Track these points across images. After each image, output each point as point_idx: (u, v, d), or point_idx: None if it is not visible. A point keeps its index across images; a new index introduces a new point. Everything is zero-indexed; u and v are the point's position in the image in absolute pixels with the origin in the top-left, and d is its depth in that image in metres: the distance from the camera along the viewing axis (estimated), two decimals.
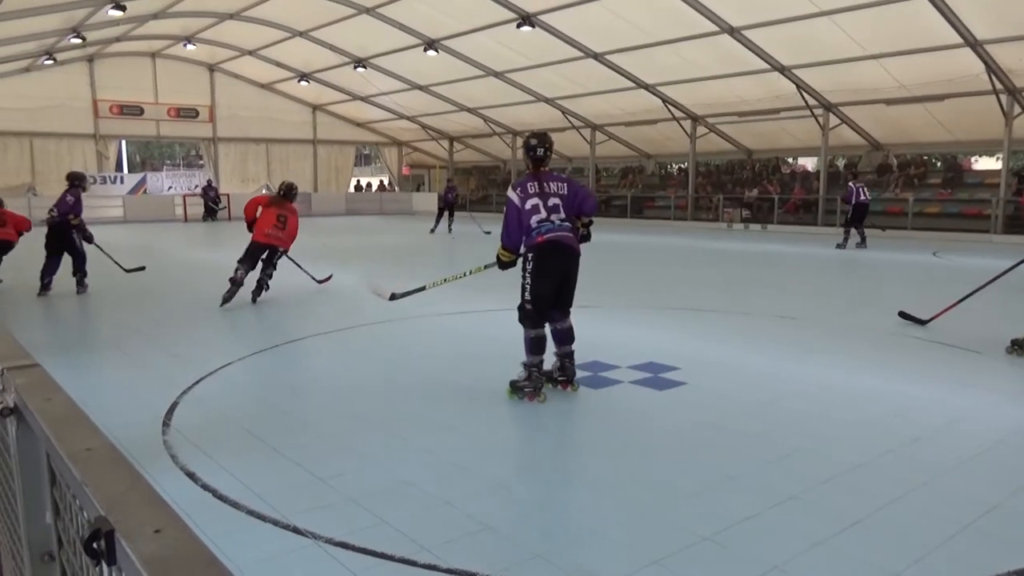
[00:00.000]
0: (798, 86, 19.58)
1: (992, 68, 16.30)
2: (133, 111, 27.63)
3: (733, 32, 17.73)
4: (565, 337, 4.92)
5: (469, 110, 28.11)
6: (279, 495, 3.31)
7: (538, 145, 4.87)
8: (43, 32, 20.24)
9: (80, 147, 26.75)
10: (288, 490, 3.40)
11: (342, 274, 10.29)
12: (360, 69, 25.51)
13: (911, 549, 2.84)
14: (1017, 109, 17.44)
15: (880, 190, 21.51)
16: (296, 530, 2.98)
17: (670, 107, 23.05)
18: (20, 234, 9.82)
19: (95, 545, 0.87)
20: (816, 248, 16.18)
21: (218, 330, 7.25)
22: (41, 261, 9.30)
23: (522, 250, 4.86)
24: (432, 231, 19.90)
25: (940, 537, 2.93)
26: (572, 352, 4.95)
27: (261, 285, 8.67)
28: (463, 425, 4.35)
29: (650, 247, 16.75)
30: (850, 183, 15.65)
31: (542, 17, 19.10)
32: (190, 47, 25.54)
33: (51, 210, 9.39)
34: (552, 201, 4.74)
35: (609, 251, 14.70)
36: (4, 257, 9.70)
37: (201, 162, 33.22)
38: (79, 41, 21.72)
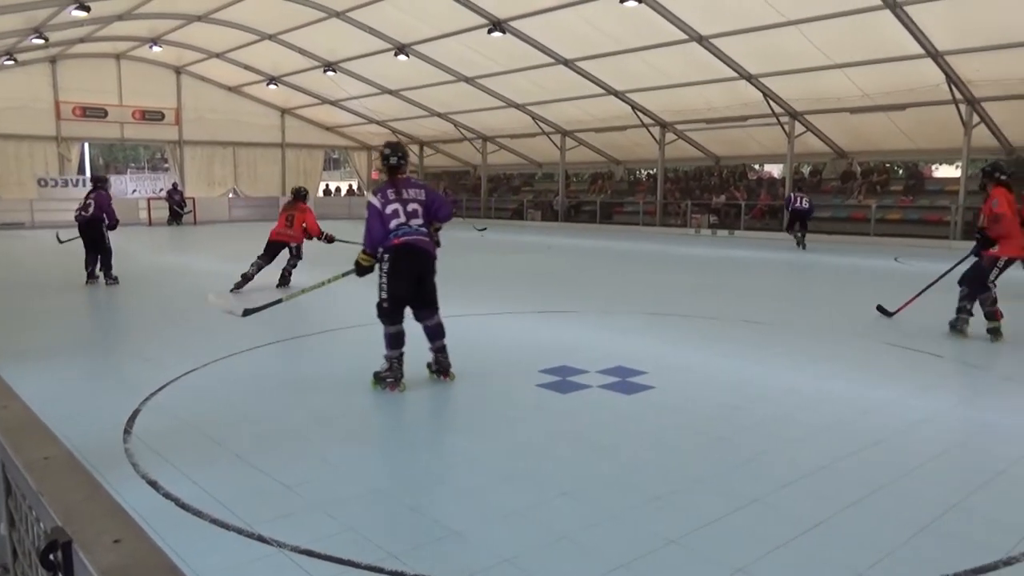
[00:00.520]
0: (765, 94, 19.88)
1: (952, 79, 16.71)
2: (97, 113, 27.12)
3: (702, 40, 17.96)
4: (435, 333, 5.24)
5: (439, 115, 28.07)
6: (244, 503, 3.28)
7: (391, 155, 5.18)
8: (3, 32, 19.80)
9: (42, 149, 26.17)
10: (253, 498, 3.36)
11: (319, 279, 10.19)
12: (330, 73, 25.35)
13: (872, 549, 2.89)
14: (976, 119, 17.89)
15: (844, 197, 21.93)
16: (261, 538, 2.95)
17: (639, 113, 23.26)
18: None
19: (52, 557, 0.86)
20: (782, 253, 16.42)
21: (182, 336, 7.14)
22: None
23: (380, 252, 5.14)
24: None
25: (901, 537, 2.99)
26: (444, 346, 5.29)
27: (285, 274, 10.05)
28: (431, 432, 4.34)
29: (619, 252, 16.86)
30: (790, 192, 18.57)
31: (513, 23, 19.16)
32: (156, 49, 25.15)
33: (82, 208, 10.43)
34: (411, 206, 5.07)
35: (578, 256, 14.78)
36: None
37: (166, 165, 32.74)
38: (41, 42, 21.26)
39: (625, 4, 16.32)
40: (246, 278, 9.54)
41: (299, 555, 2.82)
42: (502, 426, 4.47)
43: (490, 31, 19.25)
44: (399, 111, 28.48)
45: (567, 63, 20.93)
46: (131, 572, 0.80)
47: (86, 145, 30.19)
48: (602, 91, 22.26)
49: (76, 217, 10.60)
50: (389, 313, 5.09)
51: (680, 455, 3.98)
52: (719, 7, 16.53)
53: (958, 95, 17.19)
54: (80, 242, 10.66)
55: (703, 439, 4.21)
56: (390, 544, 2.91)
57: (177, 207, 26.39)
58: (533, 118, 25.95)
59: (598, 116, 24.48)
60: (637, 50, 19.16)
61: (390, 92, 26.58)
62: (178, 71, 28.65)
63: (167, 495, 3.35)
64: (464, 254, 15.02)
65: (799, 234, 17.55)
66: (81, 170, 29.50)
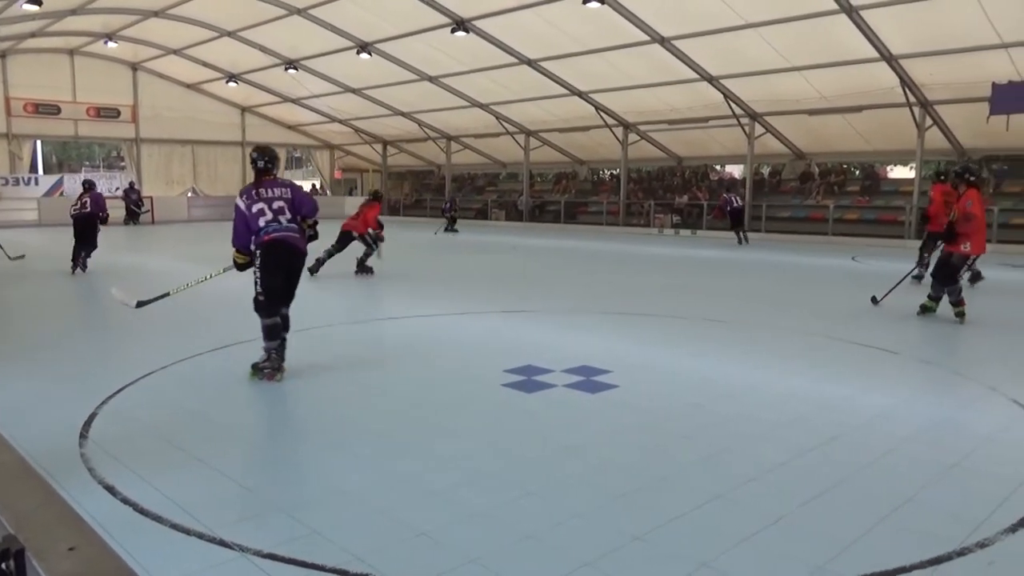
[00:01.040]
0: (725, 96, 20.15)
1: (906, 82, 17.12)
2: (49, 110, 26.42)
3: (663, 42, 18.14)
4: (285, 325, 5.55)
5: (403, 114, 27.93)
6: (204, 507, 3.22)
7: (259, 158, 5.51)
8: None
9: None
10: (214, 502, 3.30)
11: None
12: (291, 71, 25.06)
13: (831, 542, 2.95)
14: (928, 121, 18.35)
15: (803, 197, 22.33)
16: (223, 543, 2.90)
17: (603, 114, 23.41)
18: None
19: (3, 565, 0.83)
20: (743, 253, 16.67)
21: (140, 338, 7.00)
22: None
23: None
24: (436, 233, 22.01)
25: (858, 530, 3.05)
26: (285, 339, 5.52)
27: (363, 260, 11.53)
28: (396, 432, 4.32)
29: (583, 252, 16.94)
30: (724, 194, 20.16)
31: (477, 23, 19.14)
32: (111, 45, 24.61)
33: (79, 206, 11.94)
34: (276, 204, 5.37)
35: (542, 256, 14.81)
36: None
37: (123, 164, 32.04)
38: None
39: (588, 5, 16.41)
40: (320, 262, 11.15)
41: (262, 559, 2.78)
42: (467, 426, 4.46)
43: (453, 30, 19.21)
44: (362, 110, 28.27)
45: (531, 63, 20.98)
46: None
47: (38, 143, 29.37)
48: (566, 91, 22.36)
49: (73, 214, 11.93)
50: (265, 307, 5.33)
51: (644, 453, 4.02)
52: (680, 9, 16.72)
53: (912, 98, 17.62)
54: (55, 238, 12.04)
55: (667, 437, 4.26)
56: (355, 546, 2.88)
57: (134, 206, 25.85)
58: (497, 118, 25.95)
59: (562, 116, 24.58)
60: (600, 51, 19.29)
61: (353, 91, 26.37)
62: (134, 67, 28.07)
63: (125, 500, 3.28)
64: (429, 254, 14.96)
65: (739, 232, 19.04)
66: (33, 168, 28.75)
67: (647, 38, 18.04)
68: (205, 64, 26.46)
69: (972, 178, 7.62)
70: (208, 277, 6.18)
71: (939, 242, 10.39)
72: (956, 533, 3.01)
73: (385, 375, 5.72)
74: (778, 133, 21.81)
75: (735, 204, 19.28)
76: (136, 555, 2.76)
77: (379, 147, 32.89)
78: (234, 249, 5.53)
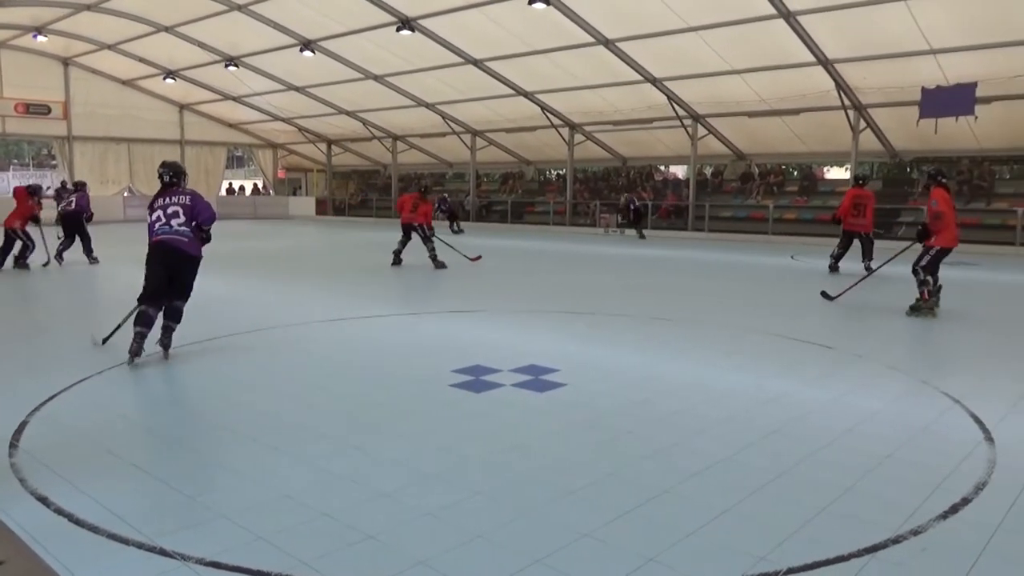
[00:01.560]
0: (669, 97, 20.48)
1: (841, 85, 17.66)
2: None
3: (608, 44, 18.33)
4: (173, 315, 6.13)
5: (348, 113, 27.60)
6: (144, 516, 3.12)
7: (164, 173, 6.21)
8: None
9: None
10: (153, 510, 3.21)
11: (217, 283, 9.81)
12: (232, 68, 24.51)
13: (775, 533, 3.02)
14: (863, 124, 18.98)
15: (744, 197, 22.85)
16: (163, 552, 2.81)
17: (548, 114, 23.54)
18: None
19: None
20: (686, 252, 16.96)
21: (73, 342, 6.75)
22: None
23: None
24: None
25: (800, 520, 3.14)
26: (173, 327, 6.15)
27: (432, 258, 12.85)
28: (341, 434, 4.26)
29: (529, 252, 17.01)
30: (624, 195, 22.71)
31: (422, 22, 19.04)
32: (41, 39, 23.66)
33: (67, 203, 13.38)
34: (171, 209, 6.04)
35: (489, 256, 14.81)
36: None
37: (54, 162, 30.89)
38: None
39: (533, 6, 16.48)
40: (396, 254, 13.09)
41: (205, 567, 2.71)
42: (415, 427, 4.43)
43: (399, 29, 19.06)
44: (306, 108, 27.84)
45: (476, 63, 20.96)
46: None
47: None
48: (511, 92, 22.41)
49: (61, 210, 13.59)
50: (143, 298, 5.98)
51: (592, 450, 4.05)
52: (624, 12, 16.93)
53: (847, 101, 18.18)
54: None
55: (614, 434, 4.30)
56: (301, 551, 2.83)
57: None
58: (443, 117, 25.86)
59: (508, 116, 24.63)
60: (545, 52, 19.39)
61: (296, 89, 25.94)
62: (66, 62, 27.09)
63: (59, 511, 3.16)
64: (375, 254, 14.82)
65: (639, 228, 21.21)
66: None
67: (592, 39, 18.21)
68: (141, 60, 25.70)
69: (943, 180, 8.29)
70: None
71: (854, 240, 12.23)
72: (891, 521, 3.12)
73: (329, 377, 5.64)
74: (719, 134, 22.27)
75: (635, 204, 21.66)
76: (72, 568, 2.66)
77: (323, 146, 32.44)
78: None
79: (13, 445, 3.96)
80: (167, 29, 22.34)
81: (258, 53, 23.21)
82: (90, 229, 13.42)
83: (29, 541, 2.86)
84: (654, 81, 19.83)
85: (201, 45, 23.22)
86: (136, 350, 5.80)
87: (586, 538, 2.97)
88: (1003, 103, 16.48)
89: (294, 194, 36.10)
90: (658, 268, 14.06)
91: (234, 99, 28.51)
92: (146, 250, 6.06)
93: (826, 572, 2.74)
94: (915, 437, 4.24)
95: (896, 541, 2.96)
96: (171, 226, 5.97)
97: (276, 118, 29.87)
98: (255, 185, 37.46)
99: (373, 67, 22.80)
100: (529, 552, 2.85)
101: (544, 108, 23.20)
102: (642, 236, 21.02)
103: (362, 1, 18.19)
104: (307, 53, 21.77)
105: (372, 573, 2.71)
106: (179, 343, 6.27)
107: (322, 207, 32.78)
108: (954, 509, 3.27)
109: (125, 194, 29.32)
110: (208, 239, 6.27)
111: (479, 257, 14.03)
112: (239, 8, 19.83)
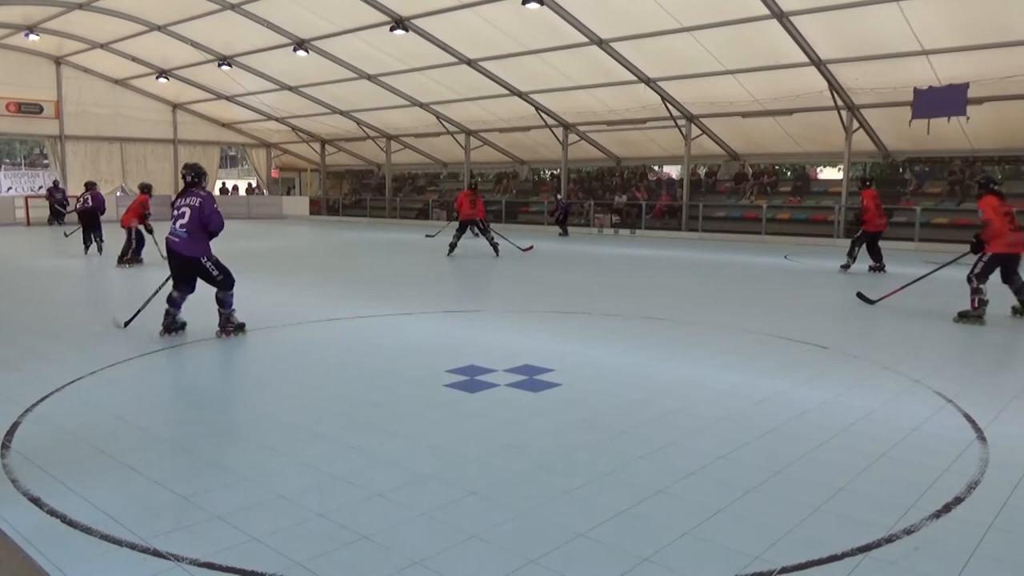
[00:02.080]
0: (663, 97, 20.50)
1: (834, 86, 17.71)
2: None
3: (601, 44, 18.34)
4: (217, 303, 6.70)
5: (342, 113, 27.54)
6: (137, 517, 3.11)
7: (186, 174, 6.67)
8: None
9: None
10: (147, 511, 3.20)
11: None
12: (225, 67, 24.43)
13: (769, 532, 3.03)
14: (855, 124, 19.03)
15: (737, 197, 22.89)
16: (157, 553, 2.81)
17: (543, 114, 23.54)
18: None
19: None
20: (680, 252, 16.99)
21: (66, 343, 6.72)
22: None
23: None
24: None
25: (794, 520, 3.15)
26: (221, 312, 6.75)
27: (493, 247, 14.84)
28: (336, 434, 4.25)
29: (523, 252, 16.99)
30: (557, 196, 24.23)
31: (416, 21, 19.01)
32: (33, 37, 23.55)
33: (84, 202, 14.85)
34: (181, 210, 6.44)
35: (484, 256, 14.82)
36: None
37: (46, 162, 30.74)
38: None
39: (527, 6, 16.47)
40: (452, 247, 14.69)
41: (199, 568, 2.70)
42: (410, 427, 4.42)
43: (392, 29, 19.04)
44: (299, 108, 27.78)
45: (470, 63, 20.95)
46: None
47: None
48: (506, 91, 22.40)
49: (76, 208, 15.22)
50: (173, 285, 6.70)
51: (587, 450, 4.05)
52: (618, 12, 16.94)
53: (840, 102, 18.24)
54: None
55: (609, 434, 4.30)
56: (296, 552, 2.83)
57: (59, 206, 24.80)
58: (437, 117, 25.84)
59: (502, 116, 24.62)
60: (539, 52, 19.39)
61: (290, 88, 25.89)
62: (58, 61, 26.97)
63: (52, 512, 3.14)
64: (370, 254, 14.81)
65: (565, 226, 22.53)
66: None
67: (585, 40, 18.22)
68: (134, 59, 25.60)
69: (993, 186, 8.12)
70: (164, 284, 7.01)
71: (872, 240, 12.25)
72: (885, 520, 3.13)
73: (324, 377, 5.63)
74: (713, 135, 22.30)
75: (562, 203, 23.34)
76: (65, 569, 2.65)
77: (317, 146, 32.37)
78: None
79: (5, 446, 3.94)
80: (160, 28, 22.26)
81: (251, 52, 23.15)
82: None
83: (22, 542, 2.85)
84: (648, 81, 19.85)
85: (194, 44, 23.13)
86: (167, 326, 6.59)
87: (581, 538, 2.98)
88: (995, 104, 16.56)
89: (288, 194, 36.02)
90: (652, 268, 14.08)
91: (227, 98, 28.43)
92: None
93: (820, 571, 2.75)
94: (908, 437, 4.26)
95: (889, 540, 2.97)
96: (175, 227, 6.40)
97: (270, 117, 29.80)
98: (249, 185, 37.36)
99: (367, 67, 22.77)
100: (524, 552, 2.85)
101: (538, 108, 23.20)
102: (565, 232, 22.34)
103: (356, 0, 18.17)
104: (301, 52, 21.72)
105: (367, 574, 2.71)
106: (176, 343, 6.24)
107: (316, 207, 32.71)
108: (947, 508, 3.28)
109: (118, 193, 29.13)
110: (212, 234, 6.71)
111: (531, 247, 15.84)
112: (232, 7, 19.78)
